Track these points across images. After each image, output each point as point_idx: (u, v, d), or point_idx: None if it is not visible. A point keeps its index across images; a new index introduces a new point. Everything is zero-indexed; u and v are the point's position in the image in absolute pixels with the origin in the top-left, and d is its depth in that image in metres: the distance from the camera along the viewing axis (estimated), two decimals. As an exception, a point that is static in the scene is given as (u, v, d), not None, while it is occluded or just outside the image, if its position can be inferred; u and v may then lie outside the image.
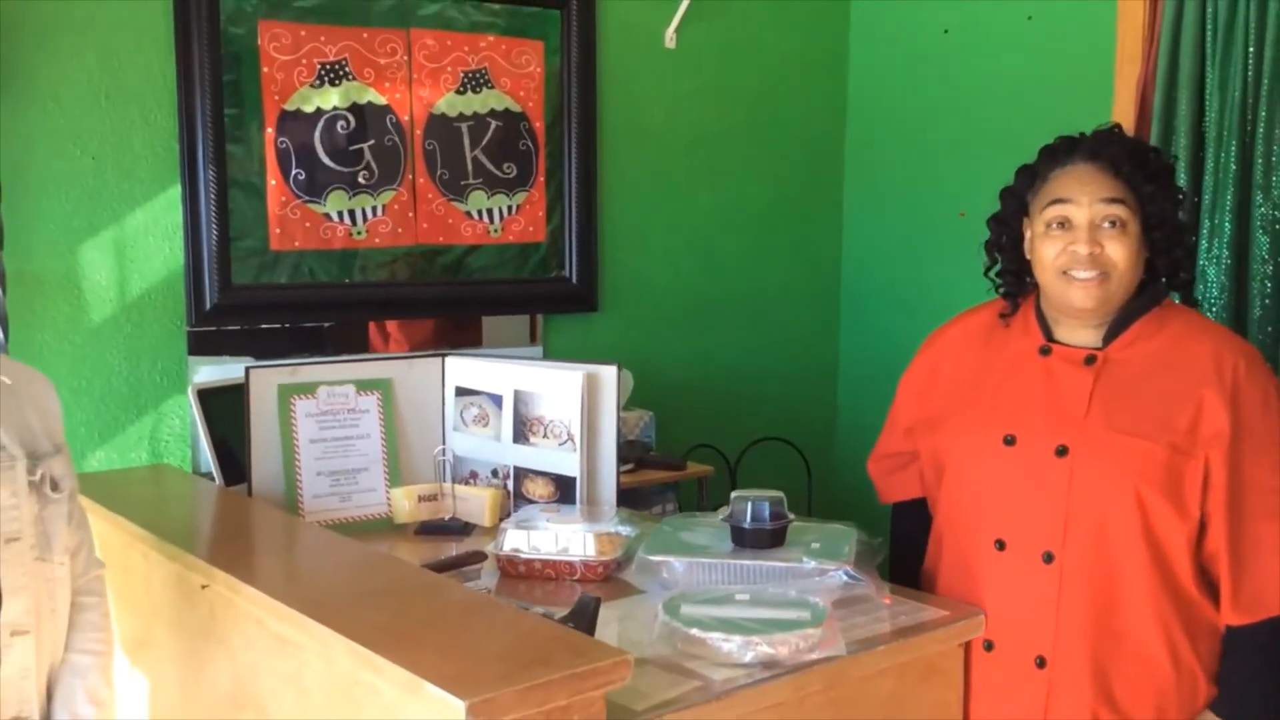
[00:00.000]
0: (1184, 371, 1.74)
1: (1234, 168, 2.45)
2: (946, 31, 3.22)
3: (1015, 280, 1.89)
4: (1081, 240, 1.73)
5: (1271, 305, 2.42)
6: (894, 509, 2.10)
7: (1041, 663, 1.76)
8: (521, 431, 2.32)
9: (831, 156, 3.59)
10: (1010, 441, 1.79)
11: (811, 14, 3.49)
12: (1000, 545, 1.79)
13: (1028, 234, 1.84)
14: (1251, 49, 2.46)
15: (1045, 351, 1.82)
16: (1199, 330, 1.80)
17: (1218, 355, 1.74)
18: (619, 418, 2.33)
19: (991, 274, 1.93)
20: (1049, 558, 1.75)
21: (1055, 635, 1.75)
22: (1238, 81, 2.44)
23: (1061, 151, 1.81)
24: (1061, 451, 1.74)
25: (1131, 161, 1.75)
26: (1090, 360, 1.78)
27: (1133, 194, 1.74)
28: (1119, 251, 1.73)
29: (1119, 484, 1.71)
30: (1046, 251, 1.77)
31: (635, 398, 3.01)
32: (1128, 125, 2.63)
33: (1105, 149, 1.76)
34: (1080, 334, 1.81)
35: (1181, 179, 2.52)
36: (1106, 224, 1.73)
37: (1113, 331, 1.79)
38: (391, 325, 2.90)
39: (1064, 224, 1.75)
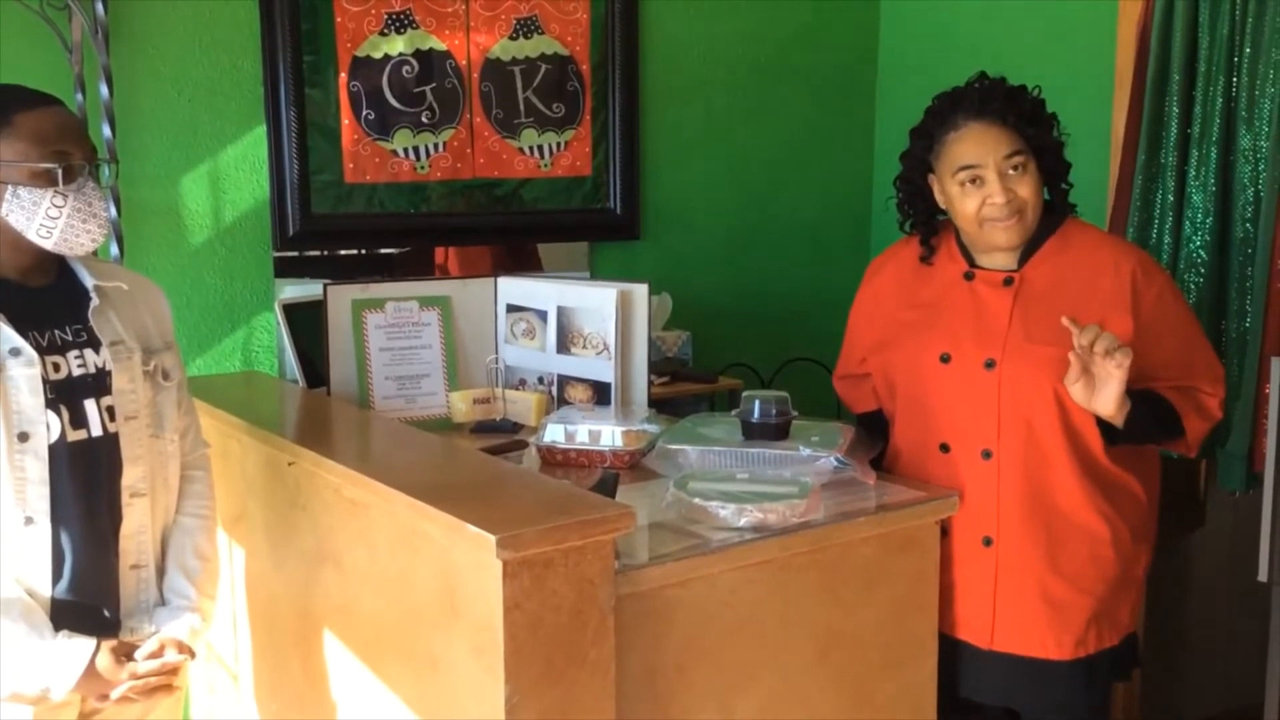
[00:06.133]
0: (1089, 282, 1.99)
1: (1220, 101, 2.60)
2: (970, -29, 3.33)
3: (927, 226, 2.12)
4: (996, 191, 1.96)
5: (1251, 227, 2.59)
6: (858, 419, 2.36)
7: (988, 541, 2.02)
8: (564, 343, 2.61)
9: (863, 93, 3.70)
10: (946, 359, 2.04)
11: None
12: (944, 448, 2.05)
13: (935, 186, 2.06)
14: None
15: (969, 277, 2.06)
16: (1098, 243, 2.05)
17: (1116, 263, 1.99)
18: (651, 332, 2.60)
19: (906, 227, 2.15)
20: (987, 454, 2.00)
21: (998, 518, 2.01)
22: (1225, 20, 2.58)
23: (947, 112, 2.00)
24: (990, 364, 1.99)
25: (1014, 111, 1.96)
26: (1008, 282, 2.02)
27: (1021, 137, 1.96)
28: (1027, 190, 1.97)
29: (1040, 387, 1.96)
30: (967, 206, 1.99)
31: (674, 319, 3.24)
32: (1127, 61, 2.81)
33: (988, 106, 1.97)
34: (999, 258, 2.05)
35: (1174, 112, 2.71)
36: (1011, 170, 1.96)
37: (1026, 254, 2.03)
38: (454, 256, 3.14)
39: (976, 181, 1.97)
